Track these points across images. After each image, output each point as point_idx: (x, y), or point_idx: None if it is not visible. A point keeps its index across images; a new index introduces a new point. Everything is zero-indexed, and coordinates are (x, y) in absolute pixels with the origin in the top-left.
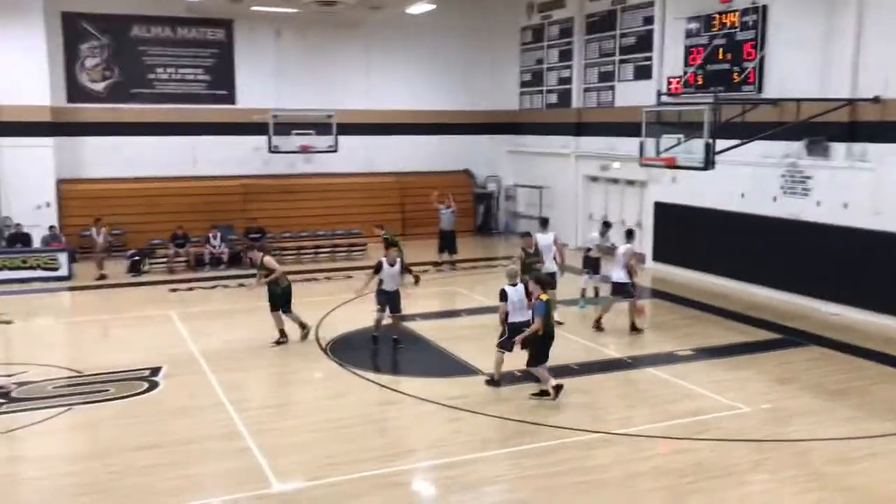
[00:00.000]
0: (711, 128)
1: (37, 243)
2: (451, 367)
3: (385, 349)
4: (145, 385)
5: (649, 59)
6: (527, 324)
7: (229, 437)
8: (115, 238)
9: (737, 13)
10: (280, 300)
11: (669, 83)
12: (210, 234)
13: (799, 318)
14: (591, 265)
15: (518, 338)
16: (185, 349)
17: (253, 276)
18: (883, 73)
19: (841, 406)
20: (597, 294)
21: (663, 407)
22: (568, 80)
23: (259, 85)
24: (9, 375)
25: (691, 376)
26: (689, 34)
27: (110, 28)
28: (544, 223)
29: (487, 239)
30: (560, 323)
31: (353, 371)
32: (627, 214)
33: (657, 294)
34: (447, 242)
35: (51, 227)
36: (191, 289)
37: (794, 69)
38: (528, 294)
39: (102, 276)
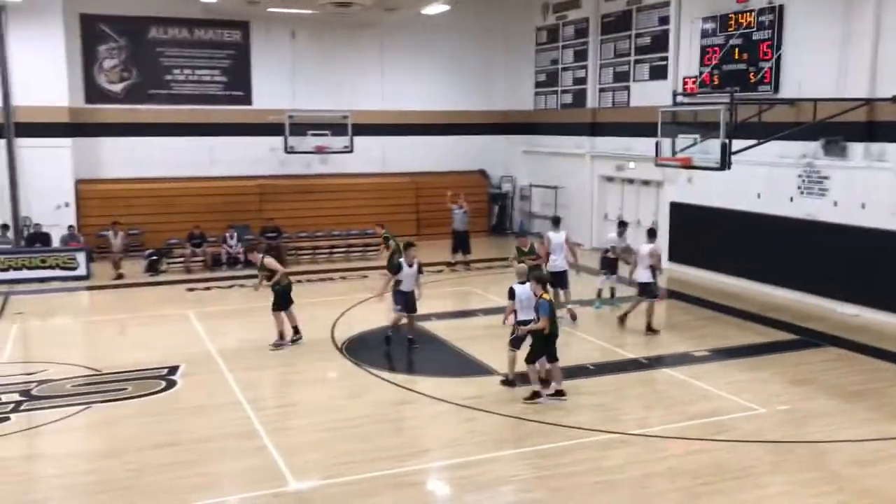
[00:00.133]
0: (727, 128)
1: (56, 243)
2: (466, 366)
3: (400, 349)
4: (163, 384)
5: (665, 59)
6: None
7: (246, 436)
8: (132, 238)
9: (753, 13)
10: (282, 299)
11: (685, 83)
12: (227, 234)
13: (815, 318)
14: (609, 266)
15: (522, 330)
16: (202, 348)
17: (254, 276)
18: None
19: (858, 408)
20: (612, 295)
21: (679, 408)
22: (583, 81)
23: (275, 86)
24: (29, 374)
25: (707, 377)
26: (704, 34)
27: (128, 30)
28: (556, 222)
29: (502, 239)
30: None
31: (369, 370)
32: (643, 215)
33: (673, 294)
34: (460, 243)
35: (69, 227)
36: (208, 288)
37: (810, 69)
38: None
39: (119, 276)
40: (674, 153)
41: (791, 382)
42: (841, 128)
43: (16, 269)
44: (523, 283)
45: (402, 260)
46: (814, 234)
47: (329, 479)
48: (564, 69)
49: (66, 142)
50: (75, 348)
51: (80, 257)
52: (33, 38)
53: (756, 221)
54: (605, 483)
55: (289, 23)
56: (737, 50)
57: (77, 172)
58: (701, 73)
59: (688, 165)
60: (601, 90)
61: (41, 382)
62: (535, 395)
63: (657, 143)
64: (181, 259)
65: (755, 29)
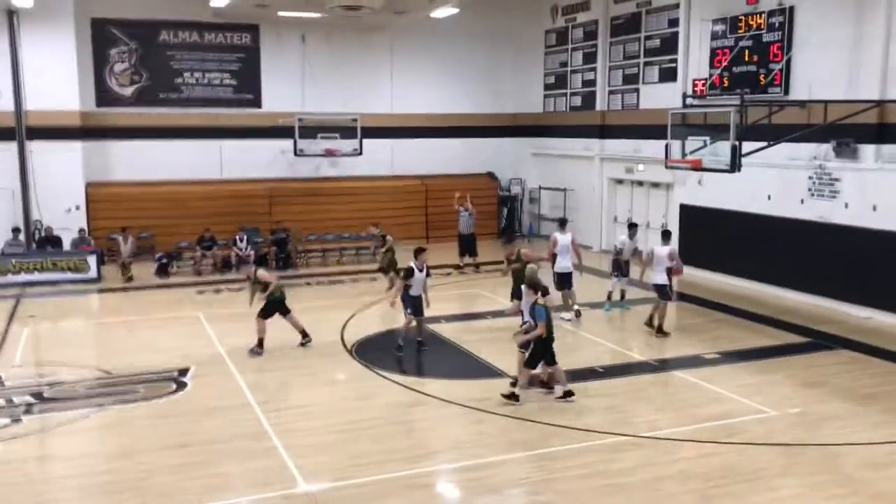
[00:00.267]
0: (738, 130)
1: (67, 246)
2: (475, 369)
3: (409, 351)
4: (174, 386)
5: (674, 61)
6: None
7: (256, 437)
8: (143, 241)
9: (763, 15)
10: (273, 307)
11: (695, 85)
12: (237, 237)
13: (827, 321)
14: (621, 268)
15: (519, 342)
16: (212, 350)
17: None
18: None
19: (871, 411)
20: (622, 297)
21: (690, 410)
22: (592, 83)
23: (285, 89)
24: (41, 376)
25: (718, 380)
26: (714, 36)
27: (138, 33)
28: (563, 224)
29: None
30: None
31: (379, 372)
32: (652, 217)
33: (683, 297)
34: (466, 245)
35: (80, 230)
36: (218, 291)
37: (821, 71)
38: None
39: (129, 279)
40: (684, 155)
41: (803, 385)
42: (852, 130)
43: (27, 271)
44: None
45: (412, 264)
46: (825, 237)
47: (339, 480)
48: (574, 71)
49: (77, 145)
50: (86, 350)
51: (91, 260)
52: (45, 42)
53: (766, 224)
54: (616, 486)
55: (298, 26)
56: (747, 52)
57: (88, 175)
58: (711, 76)
59: (698, 167)
60: (610, 92)
61: (53, 384)
62: (514, 396)
63: (667, 146)
64: (191, 262)
65: (765, 31)
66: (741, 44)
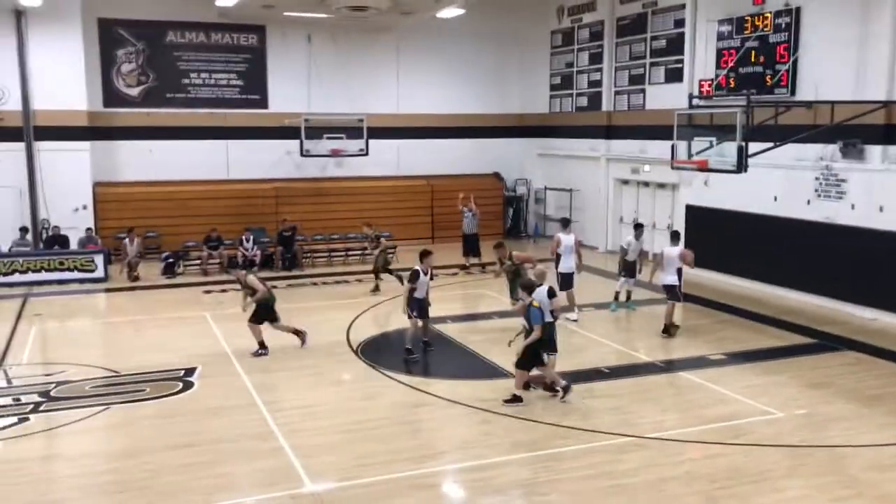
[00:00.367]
0: (744, 130)
1: (74, 245)
2: (482, 369)
3: (415, 351)
4: (180, 385)
5: (680, 61)
6: (548, 324)
7: (263, 437)
8: (149, 240)
9: (769, 15)
10: (263, 312)
11: (701, 86)
12: (243, 237)
13: (833, 322)
14: (628, 269)
15: (518, 348)
16: (218, 350)
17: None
18: None
19: (877, 412)
20: (628, 298)
21: (696, 411)
22: (598, 83)
23: (291, 89)
24: (48, 375)
25: (724, 380)
26: (720, 36)
27: (145, 34)
28: (566, 224)
29: (516, 242)
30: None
31: (384, 373)
32: (658, 218)
33: (689, 298)
34: (470, 246)
35: (87, 230)
36: (224, 290)
37: (827, 71)
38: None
39: (135, 279)
40: (690, 156)
41: (809, 386)
42: (858, 130)
43: (35, 271)
44: (540, 285)
45: (418, 268)
46: (831, 238)
47: (345, 480)
48: (579, 72)
49: (85, 145)
50: (93, 350)
51: (98, 259)
52: (52, 42)
53: (773, 224)
54: (621, 487)
55: (305, 27)
56: (753, 52)
57: (95, 175)
58: (717, 76)
59: (704, 168)
60: (616, 93)
61: (60, 383)
62: (516, 398)
63: (673, 146)
64: (198, 262)
65: (772, 31)
66: (747, 44)
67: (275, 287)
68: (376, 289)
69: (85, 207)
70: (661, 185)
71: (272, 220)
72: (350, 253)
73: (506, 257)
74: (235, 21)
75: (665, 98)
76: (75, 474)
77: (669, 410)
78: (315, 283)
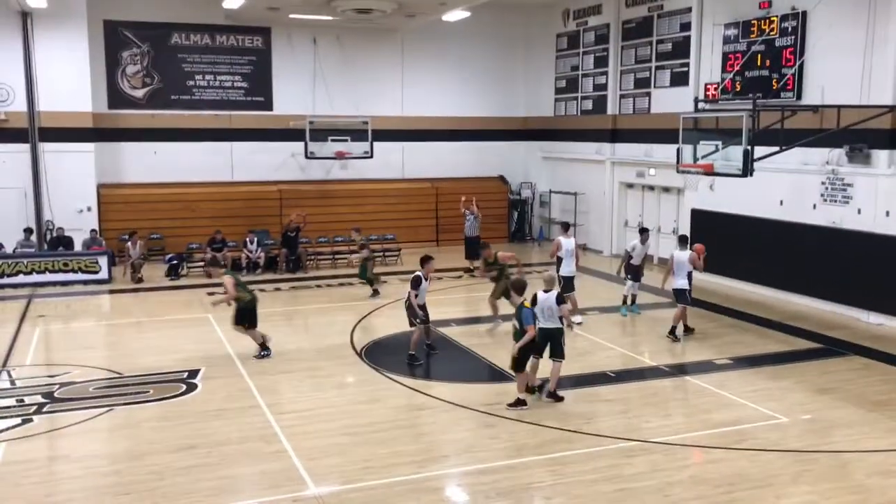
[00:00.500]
0: (750, 134)
1: (78, 247)
2: (485, 372)
3: (420, 357)
4: (184, 387)
5: (686, 65)
6: (556, 330)
7: (266, 440)
8: (153, 242)
9: (776, 19)
10: (243, 315)
11: (707, 89)
12: (247, 239)
13: (839, 327)
14: (633, 272)
15: (514, 348)
16: (222, 352)
17: (271, 280)
18: None
19: (883, 417)
20: (633, 301)
21: (701, 416)
22: (603, 87)
23: (296, 91)
24: (52, 376)
25: (729, 385)
26: (726, 40)
27: (150, 36)
28: (566, 227)
29: (521, 245)
30: (579, 323)
31: (388, 375)
32: (663, 222)
33: (695, 302)
34: (471, 248)
35: (92, 231)
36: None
37: (834, 75)
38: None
39: (139, 281)
40: (695, 160)
41: (814, 391)
42: (865, 135)
43: (39, 272)
44: (548, 291)
45: (420, 273)
46: (837, 242)
47: (348, 483)
48: (585, 75)
49: (89, 146)
50: (97, 351)
51: (102, 261)
52: (58, 44)
53: (779, 229)
54: (626, 491)
55: (310, 29)
56: (759, 56)
57: (99, 177)
58: (723, 80)
59: (710, 172)
60: (622, 96)
61: (63, 385)
62: (520, 401)
63: (679, 150)
64: (201, 263)
65: (778, 35)
66: (754, 48)
67: (278, 289)
68: (376, 292)
69: (89, 209)
70: (667, 189)
71: (277, 223)
72: (354, 255)
73: (490, 258)
74: (241, 23)
75: (670, 102)
76: (79, 476)
77: (675, 415)
78: (319, 286)
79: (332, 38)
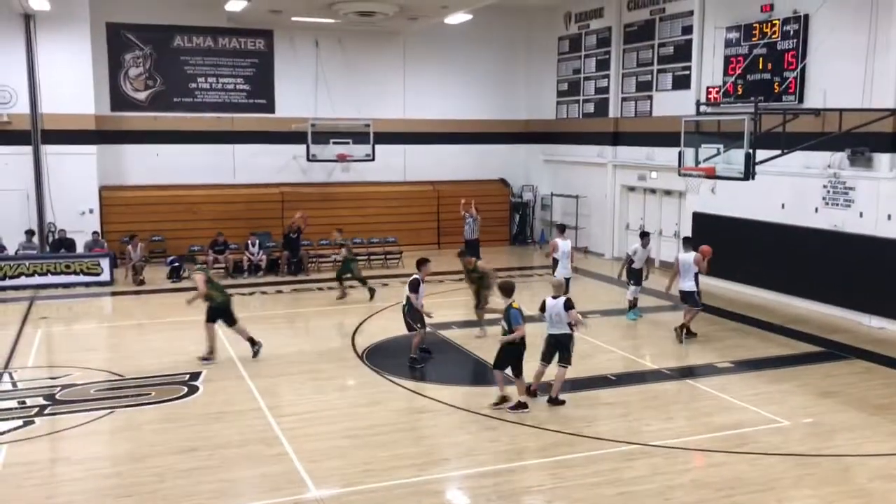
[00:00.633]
0: (751, 138)
1: (80, 249)
2: (487, 375)
3: (421, 361)
4: (185, 389)
5: (688, 68)
6: (564, 336)
7: (267, 442)
8: (155, 244)
9: (778, 22)
10: (215, 313)
11: (708, 93)
12: (249, 242)
13: (841, 331)
14: (635, 276)
15: (502, 340)
16: (223, 354)
17: (274, 283)
18: None
19: (885, 421)
20: (635, 305)
21: (702, 419)
22: (605, 90)
23: (298, 94)
24: (53, 378)
25: (730, 388)
26: (728, 43)
27: (153, 38)
28: (562, 229)
29: (522, 248)
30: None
31: (390, 378)
32: (665, 225)
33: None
34: (471, 251)
35: (94, 233)
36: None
37: (836, 79)
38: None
39: (141, 283)
40: (697, 163)
41: (816, 395)
42: (867, 138)
43: (41, 274)
44: (556, 297)
45: (418, 276)
46: (839, 246)
47: (349, 486)
48: (586, 78)
49: (92, 149)
50: (99, 353)
51: (104, 263)
52: (61, 46)
53: (780, 232)
54: (627, 494)
55: (312, 32)
56: (761, 59)
57: (102, 179)
58: (725, 83)
59: (712, 175)
60: (623, 99)
61: (65, 387)
62: (521, 404)
63: (680, 153)
64: (203, 265)
65: (780, 38)
66: (755, 51)
67: (280, 292)
68: (372, 295)
69: (91, 211)
70: (668, 192)
71: (278, 225)
72: (356, 258)
73: (470, 265)
74: (243, 26)
75: (672, 105)
76: (80, 478)
77: (676, 418)
78: (321, 288)
79: (335, 40)
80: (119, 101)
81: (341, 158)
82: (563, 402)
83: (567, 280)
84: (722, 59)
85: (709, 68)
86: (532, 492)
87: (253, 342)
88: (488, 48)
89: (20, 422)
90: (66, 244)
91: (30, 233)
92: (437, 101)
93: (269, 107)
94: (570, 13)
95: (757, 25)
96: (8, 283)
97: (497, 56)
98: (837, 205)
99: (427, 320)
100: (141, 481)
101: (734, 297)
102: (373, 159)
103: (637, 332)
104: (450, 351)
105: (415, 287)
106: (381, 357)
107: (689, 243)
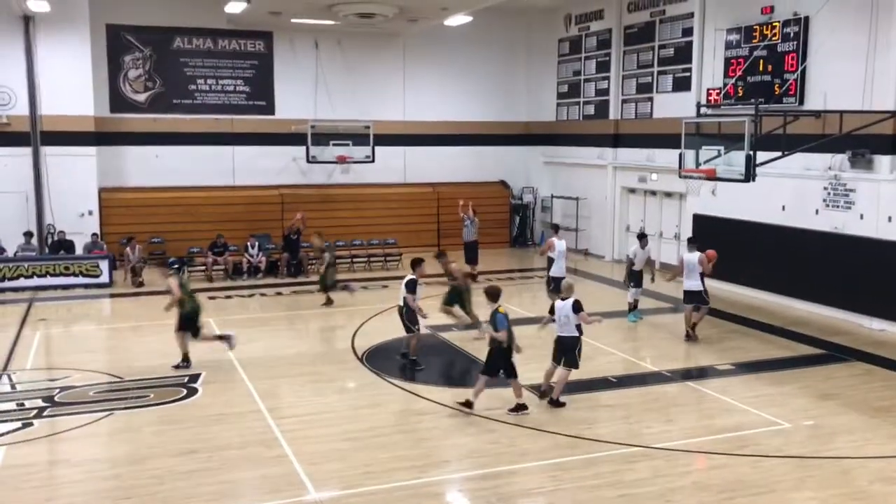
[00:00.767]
0: (752, 140)
1: (79, 250)
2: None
3: (423, 360)
4: (184, 391)
5: (688, 70)
6: (571, 339)
7: (266, 444)
8: (154, 246)
9: (778, 24)
10: (185, 322)
11: (709, 94)
12: (248, 243)
13: (842, 333)
14: (636, 278)
15: (488, 335)
16: (223, 356)
17: (273, 285)
18: None
19: (886, 423)
20: (636, 306)
21: (703, 422)
22: (605, 92)
23: (298, 96)
24: (52, 380)
25: (731, 391)
26: (728, 45)
27: (153, 40)
28: (556, 229)
29: (523, 250)
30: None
31: (389, 380)
32: (665, 227)
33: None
34: (468, 253)
35: (93, 235)
36: (229, 297)
37: (836, 81)
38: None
39: (140, 285)
40: (697, 165)
41: (817, 397)
42: (867, 140)
43: (40, 276)
44: (566, 299)
45: (413, 277)
46: (839, 248)
47: (349, 489)
48: (587, 80)
49: (91, 150)
50: (97, 355)
51: (103, 265)
52: (60, 48)
53: (781, 234)
54: (628, 497)
55: (312, 33)
56: (761, 61)
57: (101, 181)
58: (725, 85)
59: (712, 177)
60: (624, 101)
61: (64, 389)
62: (521, 406)
63: (681, 155)
64: (203, 268)
65: (780, 40)
66: (756, 53)
67: (280, 294)
68: (329, 301)
69: (90, 213)
70: (669, 194)
71: (278, 227)
72: (356, 260)
73: (448, 265)
74: (243, 27)
75: (673, 107)
76: (79, 480)
77: (676, 420)
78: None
79: (334, 42)
80: (118, 102)
81: (341, 160)
82: (563, 405)
83: (561, 279)
84: (722, 60)
85: (709, 70)
86: (532, 494)
87: (222, 337)
88: (488, 50)
89: (19, 424)
90: (65, 246)
91: (29, 234)
92: (437, 103)
93: (269, 108)
94: (571, 15)
95: (757, 27)
96: (7, 284)
97: (497, 58)
98: (838, 207)
99: (422, 322)
100: (140, 483)
101: (735, 299)
102: (373, 161)
103: (637, 335)
104: (450, 353)
105: (413, 288)
106: (381, 359)
107: (693, 243)
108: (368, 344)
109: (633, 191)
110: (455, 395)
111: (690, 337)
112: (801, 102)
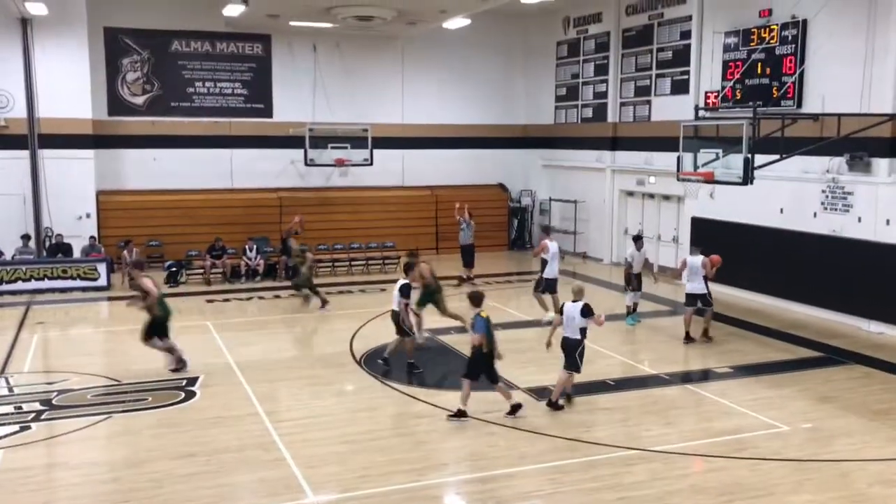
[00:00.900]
0: (750, 143)
1: (77, 253)
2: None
3: (418, 362)
4: (182, 395)
5: (686, 73)
6: (573, 341)
7: (265, 448)
8: (152, 249)
9: (776, 27)
10: (154, 328)
11: (707, 97)
12: (246, 246)
13: (840, 336)
14: (634, 281)
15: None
16: (221, 360)
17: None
18: None
19: (884, 426)
20: (634, 310)
21: (701, 424)
22: (604, 95)
23: (296, 99)
24: (50, 383)
25: (730, 394)
26: (727, 48)
27: (151, 43)
28: (548, 230)
29: (521, 253)
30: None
31: (387, 383)
32: (663, 230)
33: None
34: (464, 256)
35: (91, 238)
36: (227, 300)
37: (834, 84)
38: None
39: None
40: (696, 168)
41: (815, 400)
42: (865, 143)
43: (37, 279)
44: (576, 301)
45: (406, 282)
46: (837, 251)
47: (347, 492)
48: (585, 83)
49: (89, 153)
50: (95, 358)
51: (101, 268)
52: (58, 50)
53: (779, 237)
54: (626, 499)
55: (310, 36)
56: (759, 64)
57: (99, 184)
58: (723, 88)
59: (710, 180)
60: (622, 104)
61: (62, 392)
62: (516, 408)
63: (679, 158)
64: (201, 271)
65: (778, 43)
66: (754, 56)
67: (277, 297)
68: (306, 300)
69: (88, 216)
70: (667, 197)
71: (276, 230)
72: (354, 263)
73: (418, 265)
74: (241, 30)
75: (671, 109)
76: (77, 483)
77: (675, 423)
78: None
79: (333, 45)
80: (116, 105)
81: (339, 163)
82: (561, 407)
83: (555, 280)
84: (720, 63)
85: (707, 73)
86: (531, 497)
87: (176, 357)
88: (487, 53)
89: (17, 427)
90: (62, 249)
91: (26, 237)
92: (436, 106)
93: (267, 111)
94: (569, 18)
95: (755, 30)
96: (4, 287)
97: (495, 61)
98: (836, 210)
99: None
100: (138, 487)
101: (733, 302)
102: (371, 164)
103: (636, 338)
104: (448, 356)
105: (408, 292)
106: (378, 362)
107: (697, 246)
108: (366, 347)
109: (631, 194)
110: (453, 398)
111: (706, 338)
112: (799, 105)
